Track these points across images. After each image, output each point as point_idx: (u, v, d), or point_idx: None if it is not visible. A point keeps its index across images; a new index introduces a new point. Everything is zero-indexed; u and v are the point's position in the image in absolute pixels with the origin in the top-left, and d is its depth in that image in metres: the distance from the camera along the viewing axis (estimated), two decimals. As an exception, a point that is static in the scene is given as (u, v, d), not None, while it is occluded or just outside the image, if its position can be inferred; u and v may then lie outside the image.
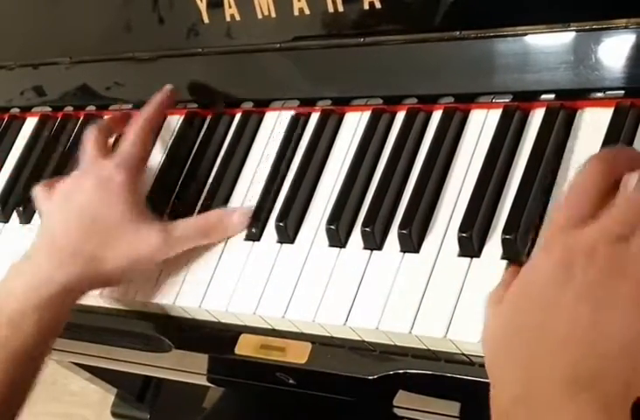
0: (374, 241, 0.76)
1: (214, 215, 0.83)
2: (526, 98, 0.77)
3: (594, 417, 0.54)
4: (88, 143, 0.87)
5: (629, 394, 0.55)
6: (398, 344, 0.73)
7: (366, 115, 0.84)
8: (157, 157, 0.92)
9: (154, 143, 0.89)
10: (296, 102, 0.88)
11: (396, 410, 0.83)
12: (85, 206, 0.82)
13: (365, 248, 0.77)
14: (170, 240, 0.81)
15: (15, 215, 0.97)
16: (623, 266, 0.56)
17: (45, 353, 0.80)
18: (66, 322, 0.81)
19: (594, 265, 0.56)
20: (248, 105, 0.90)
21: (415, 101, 0.82)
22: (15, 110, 1.05)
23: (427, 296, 0.72)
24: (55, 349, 0.99)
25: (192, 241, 0.82)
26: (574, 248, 0.57)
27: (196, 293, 0.82)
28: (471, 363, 0.70)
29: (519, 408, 0.56)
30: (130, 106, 0.97)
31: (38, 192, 0.87)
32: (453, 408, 0.79)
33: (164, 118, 0.92)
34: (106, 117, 0.94)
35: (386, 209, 0.77)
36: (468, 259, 0.72)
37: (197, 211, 0.86)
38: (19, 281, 0.79)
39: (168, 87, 0.90)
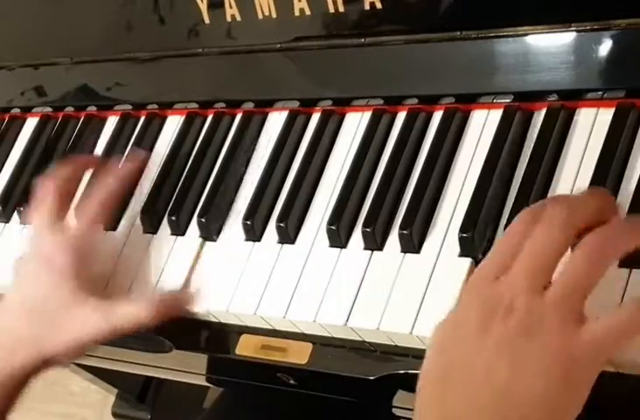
0: (375, 242, 0.76)
1: (157, 297, 0.81)
2: (527, 98, 0.77)
3: None
4: (43, 206, 0.84)
5: None
6: (398, 344, 0.73)
7: (367, 115, 0.84)
8: (158, 157, 0.92)
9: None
10: (297, 103, 0.88)
11: (395, 411, 0.84)
12: (26, 292, 0.82)
13: (366, 248, 0.77)
14: (108, 322, 0.79)
15: (16, 215, 0.97)
16: (536, 321, 0.56)
17: None
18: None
19: (510, 319, 0.57)
20: (249, 105, 0.90)
21: (416, 101, 0.82)
22: (15, 111, 1.05)
23: (428, 296, 0.72)
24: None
25: (133, 321, 0.79)
26: (495, 299, 0.58)
27: (197, 294, 0.82)
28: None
29: None
30: (130, 107, 0.97)
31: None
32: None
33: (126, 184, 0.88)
34: (67, 167, 0.88)
35: (386, 209, 0.77)
36: (469, 259, 0.72)
37: (197, 211, 0.86)
38: None
39: (139, 155, 0.90)
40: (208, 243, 0.84)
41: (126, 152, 0.93)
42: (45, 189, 0.85)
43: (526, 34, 0.76)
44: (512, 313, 0.57)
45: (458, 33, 0.78)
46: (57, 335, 0.79)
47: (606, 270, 0.58)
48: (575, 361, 0.56)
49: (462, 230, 0.72)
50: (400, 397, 0.81)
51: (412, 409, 0.80)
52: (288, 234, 0.80)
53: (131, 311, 0.79)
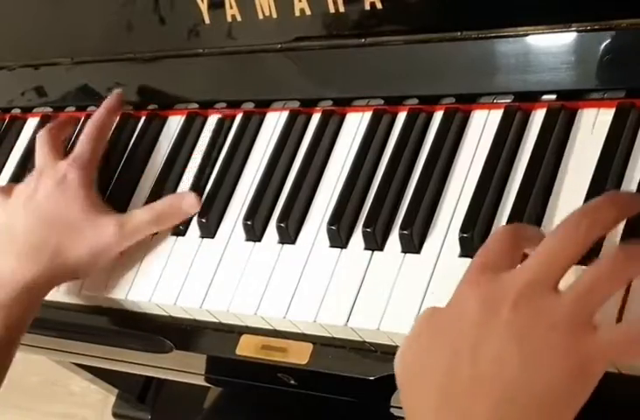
0: (375, 242, 0.76)
1: (164, 202, 0.86)
2: (527, 98, 0.77)
3: None
4: (41, 145, 0.90)
5: None
6: (399, 344, 0.73)
7: (367, 115, 0.84)
8: (159, 157, 0.92)
9: (106, 144, 0.91)
10: (297, 103, 0.88)
11: (393, 410, 0.84)
12: (43, 205, 0.84)
13: (367, 248, 0.77)
14: (124, 229, 0.83)
15: (16, 216, 0.97)
16: (550, 317, 0.56)
17: (12, 350, 0.82)
18: (35, 317, 0.83)
19: (521, 311, 0.57)
20: (249, 105, 0.90)
21: (416, 101, 0.82)
22: (16, 111, 1.05)
23: (429, 296, 0.72)
24: (56, 350, 1.00)
25: (146, 229, 0.85)
26: (500, 292, 0.58)
27: (197, 294, 0.82)
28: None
29: None
30: (131, 107, 0.97)
31: None
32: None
33: (114, 121, 0.94)
34: (56, 120, 0.96)
35: (387, 210, 0.77)
36: (469, 260, 0.72)
37: (197, 212, 0.86)
38: None
39: (117, 91, 0.93)
40: (208, 242, 0.84)
41: (126, 153, 0.94)
42: (41, 134, 0.91)
43: (527, 34, 0.76)
44: (523, 305, 0.57)
45: (459, 33, 0.78)
46: (76, 241, 0.82)
47: (622, 285, 0.59)
48: (585, 364, 0.56)
49: (462, 230, 0.72)
50: (398, 397, 0.81)
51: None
52: (289, 235, 0.80)
53: (144, 217, 0.84)
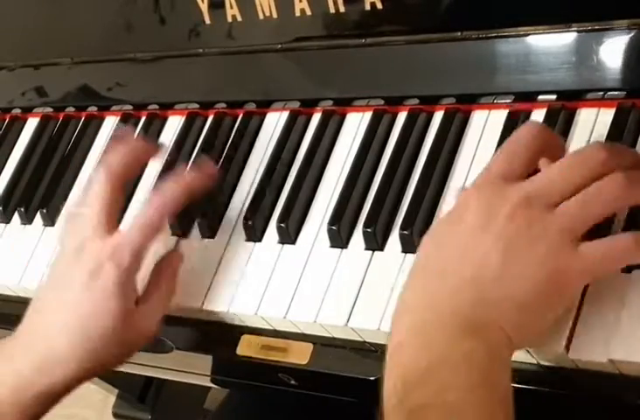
0: (376, 242, 0.76)
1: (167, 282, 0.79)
2: (528, 99, 0.77)
3: (480, 360, 0.59)
4: (97, 199, 0.77)
5: (510, 347, 0.60)
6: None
7: (368, 115, 0.84)
8: (159, 157, 0.92)
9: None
10: (298, 103, 0.88)
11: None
12: (75, 304, 0.76)
13: (367, 248, 0.77)
14: (158, 323, 0.78)
15: (16, 216, 0.97)
16: (540, 230, 0.60)
17: None
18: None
19: (514, 221, 0.60)
20: (250, 106, 0.90)
21: (417, 101, 0.82)
22: (16, 111, 1.05)
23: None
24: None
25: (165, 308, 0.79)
26: (501, 201, 0.61)
27: (198, 294, 0.82)
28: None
29: (414, 334, 0.61)
30: (131, 107, 0.97)
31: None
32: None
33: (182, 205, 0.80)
34: (125, 152, 0.80)
35: (387, 210, 0.77)
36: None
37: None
38: (2, 371, 0.76)
39: (211, 169, 0.81)
40: (209, 243, 0.84)
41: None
42: (100, 178, 0.78)
43: (527, 34, 0.76)
44: (518, 216, 0.60)
45: (459, 34, 0.78)
46: (107, 354, 0.76)
47: (613, 211, 0.62)
48: (564, 277, 0.60)
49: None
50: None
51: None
52: (289, 235, 0.80)
53: (162, 301, 0.78)
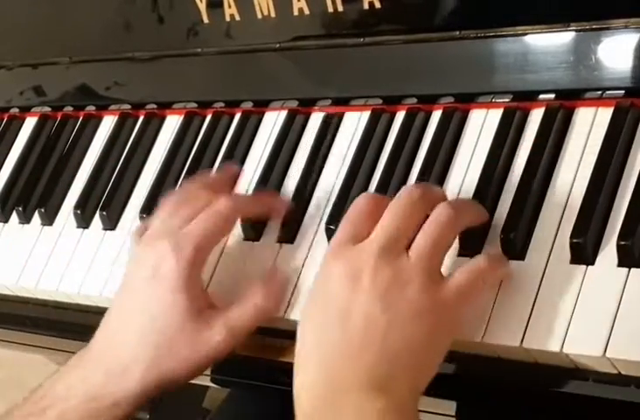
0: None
1: (261, 289, 0.75)
2: (526, 98, 0.77)
3: (394, 416, 0.60)
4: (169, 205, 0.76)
5: (415, 394, 0.63)
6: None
7: (366, 114, 0.84)
8: (157, 157, 0.92)
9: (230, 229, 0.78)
10: (296, 102, 0.88)
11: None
12: (141, 307, 0.73)
13: (365, 248, 0.77)
14: (233, 333, 0.72)
15: (15, 215, 0.97)
16: (404, 276, 0.64)
17: None
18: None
19: (379, 276, 0.63)
20: (248, 105, 0.90)
21: (415, 100, 0.82)
22: (14, 110, 1.05)
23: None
24: (56, 349, 1.00)
25: (254, 323, 0.74)
26: (359, 260, 0.65)
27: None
28: (472, 362, 0.70)
29: (322, 405, 0.62)
30: (129, 106, 0.97)
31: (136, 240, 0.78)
32: (452, 407, 0.79)
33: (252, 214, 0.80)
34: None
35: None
36: (467, 259, 0.72)
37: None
38: (74, 381, 0.73)
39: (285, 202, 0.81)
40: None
41: (124, 153, 0.92)
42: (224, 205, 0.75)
43: (525, 34, 0.76)
44: (380, 270, 0.64)
45: (457, 33, 0.78)
46: (173, 358, 0.72)
47: (456, 234, 0.68)
48: (444, 310, 0.64)
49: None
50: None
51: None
52: (289, 234, 0.80)
53: (247, 311, 0.73)
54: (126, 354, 0.72)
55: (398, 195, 0.68)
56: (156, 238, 0.74)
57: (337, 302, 0.64)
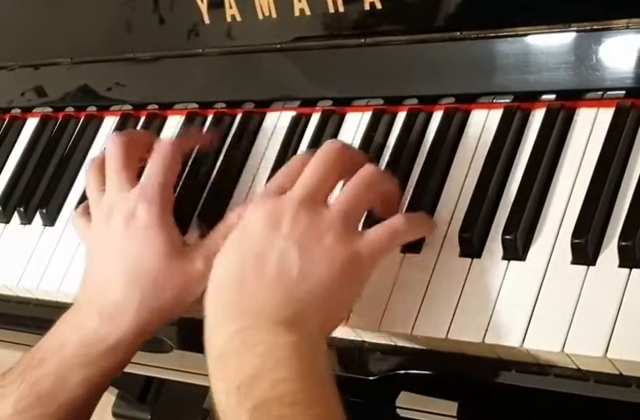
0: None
1: (232, 217, 0.77)
2: (527, 98, 0.77)
3: (305, 351, 0.64)
4: (114, 158, 0.80)
5: (324, 333, 0.67)
6: (399, 344, 0.73)
7: (367, 115, 0.84)
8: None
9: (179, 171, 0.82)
10: (297, 103, 0.88)
11: (399, 411, 0.84)
12: (119, 252, 0.76)
13: (366, 248, 0.77)
14: (210, 261, 0.74)
15: (16, 216, 0.97)
16: (324, 225, 0.67)
17: (91, 409, 0.77)
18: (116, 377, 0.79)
19: (299, 223, 0.67)
20: (249, 105, 0.90)
21: (416, 101, 0.82)
22: (16, 111, 1.05)
23: (428, 296, 0.72)
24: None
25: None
26: (281, 206, 0.68)
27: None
28: (472, 362, 0.70)
29: (235, 342, 0.64)
30: (130, 107, 0.97)
31: (76, 221, 0.83)
32: (453, 408, 0.79)
33: (190, 149, 0.87)
34: (133, 133, 0.87)
35: (386, 210, 0.77)
36: (468, 259, 0.72)
37: (197, 212, 0.86)
38: (68, 332, 0.76)
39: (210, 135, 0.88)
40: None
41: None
42: (115, 143, 0.81)
43: (526, 34, 0.76)
44: (300, 217, 0.67)
45: (458, 33, 0.78)
46: (162, 293, 0.75)
47: (376, 196, 0.72)
48: (356, 259, 0.67)
49: (462, 230, 0.72)
50: (404, 398, 0.81)
51: (416, 410, 0.81)
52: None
53: (220, 236, 0.75)
54: (117, 296, 0.75)
55: (320, 148, 0.72)
56: (119, 190, 0.79)
57: (256, 246, 0.67)
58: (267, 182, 0.84)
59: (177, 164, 0.81)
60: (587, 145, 0.73)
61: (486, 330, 0.68)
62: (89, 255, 0.80)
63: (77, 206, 0.89)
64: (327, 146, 0.72)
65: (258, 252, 0.67)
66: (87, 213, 0.82)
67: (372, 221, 0.73)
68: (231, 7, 0.87)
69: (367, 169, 0.71)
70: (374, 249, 0.68)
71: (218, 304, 0.67)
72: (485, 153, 0.76)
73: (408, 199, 0.77)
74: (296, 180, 0.70)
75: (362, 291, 0.69)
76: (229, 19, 0.88)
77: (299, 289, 0.66)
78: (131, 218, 0.76)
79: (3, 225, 0.97)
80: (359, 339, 0.75)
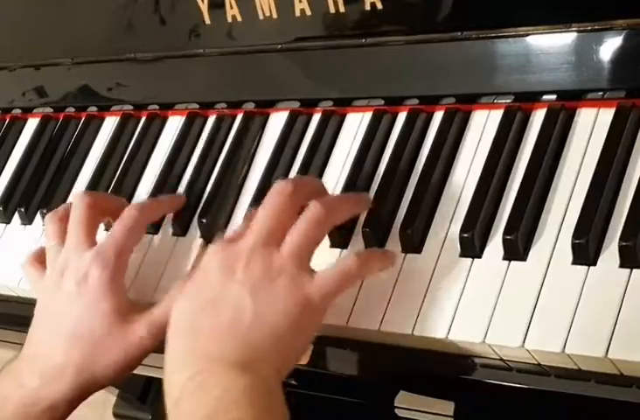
0: (376, 243, 0.76)
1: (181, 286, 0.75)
2: (528, 99, 0.77)
3: (259, 393, 0.65)
4: (76, 220, 0.80)
5: (279, 376, 0.67)
6: (399, 345, 0.73)
7: (368, 115, 0.84)
8: (159, 158, 0.92)
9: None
10: (298, 103, 0.88)
11: (398, 411, 0.83)
12: (66, 313, 0.77)
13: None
14: (154, 330, 0.76)
15: (17, 216, 0.97)
16: (275, 268, 0.68)
17: None
18: None
19: (252, 267, 0.68)
20: (250, 106, 0.90)
21: (417, 101, 0.82)
22: (16, 111, 1.05)
23: (429, 296, 0.72)
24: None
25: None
26: (235, 252, 0.69)
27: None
28: (470, 362, 0.70)
29: (191, 385, 0.66)
30: (131, 107, 0.97)
31: (28, 270, 0.84)
32: (450, 408, 0.79)
33: (159, 215, 0.86)
34: (102, 194, 0.89)
35: (386, 210, 0.77)
36: (469, 260, 0.72)
37: (197, 212, 0.86)
38: (10, 388, 0.77)
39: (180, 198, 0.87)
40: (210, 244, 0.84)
41: (126, 153, 0.94)
42: (83, 200, 0.81)
43: (527, 34, 0.76)
44: (253, 262, 0.68)
45: (459, 34, 0.78)
46: (103, 359, 0.76)
47: (327, 231, 0.72)
48: (308, 302, 0.68)
49: (462, 230, 0.72)
50: (402, 398, 0.81)
51: (415, 410, 0.80)
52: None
53: (166, 308, 0.74)
54: (59, 359, 0.76)
55: (270, 191, 0.72)
56: (72, 254, 0.79)
57: (211, 291, 0.69)
58: (264, 180, 0.84)
59: (140, 231, 0.81)
60: (587, 145, 0.73)
61: (486, 331, 0.68)
62: (37, 309, 0.80)
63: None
64: (276, 188, 0.72)
65: (212, 297, 0.68)
66: (39, 261, 0.83)
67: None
68: (231, 7, 0.87)
69: (313, 207, 0.70)
70: (325, 292, 0.68)
71: (174, 351, 0.69)
72: (486, 153, 0.76)
73: (409, 200, 0.77)
74: (248, 225, 0.71)
75: (314, 333, 0.70)
76: (230, 20, 0.88)
77: (250, 333, 0.67)
78: (83, 281, 0.77)
79: (4, 225, 0.97)
80: (359, 339, 0.75)
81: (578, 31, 0.74)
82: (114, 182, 0.93)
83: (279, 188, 0.72)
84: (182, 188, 0.89)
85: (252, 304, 0.67)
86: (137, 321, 0.76)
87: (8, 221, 0.97)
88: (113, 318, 0.76)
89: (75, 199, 0.82)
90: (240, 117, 0.90)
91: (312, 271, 0.70)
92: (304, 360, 0.72)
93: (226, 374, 0.65)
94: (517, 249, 0.70)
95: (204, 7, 0.88)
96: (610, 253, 0.67)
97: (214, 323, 0.67)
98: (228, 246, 0.70)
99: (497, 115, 0.78)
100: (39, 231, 0.94)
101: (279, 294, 0.67)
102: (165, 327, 0.73)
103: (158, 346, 0.75)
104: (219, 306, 0.68)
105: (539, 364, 0.68)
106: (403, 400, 0.80)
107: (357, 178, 0.80)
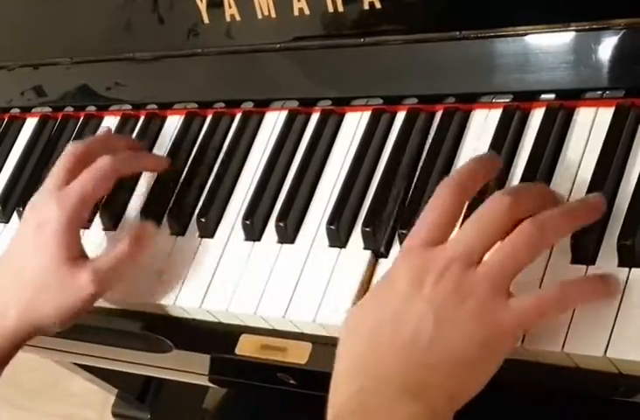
0: (375, 242, 0.76)
1: (127, 239, 0.80)
2: (526, 98, 0.77)
3: None
4: (61, 164, 0.83)
5: (452, 405, 0.61)
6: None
7: (366, 115, 0.84)
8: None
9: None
10: (296, 102, 0.88)
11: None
12: (19, 253, 0.81)
13: (365, 248, 0.77)
14: (99, 280, 0.78)
15: (15, 216, 0.97)
16: (467, 289, 0.62)
17: None
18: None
19: (442, 284, 0.62)
20: (248, 105, 0.90)
21: (415, 101, 0.82)
22: (15, 111, 1.05)
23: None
24: (56, 350, 1.00)
25: (121, 272, 0.80)
26: (428, 265, 0.63)
27: (197, 293, 0.82)
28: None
29: (352, 404, 0.61)
30: (130, 107, 0.97)
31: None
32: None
33: (130, 169, 0.87)
34: (90, 139, 0.89)
35: (386, 209, 0.77)
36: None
37: (196, 212, 0.86)
38: None
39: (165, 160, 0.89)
40: (207, 242, 0.84)
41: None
42: (67, 155, 0.84)
43: (526, 34, 0.76)
44: (445, 279, 0.62)
45: (457, 33, 0.78)
46: (46, 300, 0.78)
47: (538, 255, 0.63)
48: (498, 331, 0.61)
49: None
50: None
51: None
52: (288, 234, 0.80)
53: (113, 256, 0.79)
54: (5, 296, 0.80)
55: (486, 202, 0.64)
56: (42, 195, 0.82)
57: (395, 303, 0.63)
58: (262, 179, 0.84)
59: (107, 182, 0.82)
60: (586, 144, 0.73)
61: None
62: (8, 245, 0.84)
63: None
64: (496, 199, 0.64)
65: (396, 310, 0.63)
66: None
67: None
68: (230, 7, 0.87)
69: (527, 226, 0.62)
70: (518, 323, 0.62)
71: (348, 354, 0.65)
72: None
73: (408, 199, 0.77)
74: (449, 229, 0.65)
75: (498, 363, 0.63)
76: (228, 19, 0.88)
77: (430, 356, 0.61)
78: (41, 223, 0.80)
79: (3, 225, 0.97)
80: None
81: (577, 31, 0.74)
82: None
83: (497, 201, 0.64)
84: (180, 187, 0.89)
85: (435, 324, 0.62)
86: (84, 266, 0.78)
87: (6, 221, 0.97)
88: (60, 260, 0.78)
89: (67, 147, 0.85)
90: (238, 116, 0.90)
91: (510, 295, 0.63)
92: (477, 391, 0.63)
93: (393, 397, 0.61)
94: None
95: (202, 6, 0.88)
96: (609, 252, 0.67)
97: (393, 339, 0.62)
98: (424, 252, 0.64)
99: (495, 115, 0.78)
100: (38, 231, 0.94)
101: (464, 317, 0.61)
102: (111, 275, 0.78)
103: (103, 294, 0.79)
104: (401, 322, 0.63)
105: (539, 363, 0.68)
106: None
107: (355, 178, 0.80)
